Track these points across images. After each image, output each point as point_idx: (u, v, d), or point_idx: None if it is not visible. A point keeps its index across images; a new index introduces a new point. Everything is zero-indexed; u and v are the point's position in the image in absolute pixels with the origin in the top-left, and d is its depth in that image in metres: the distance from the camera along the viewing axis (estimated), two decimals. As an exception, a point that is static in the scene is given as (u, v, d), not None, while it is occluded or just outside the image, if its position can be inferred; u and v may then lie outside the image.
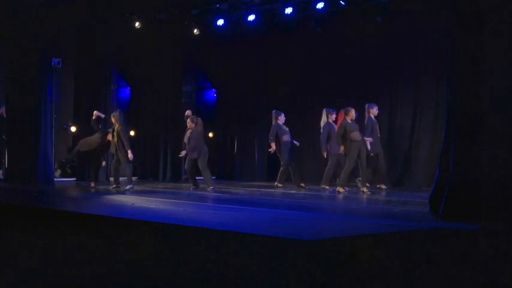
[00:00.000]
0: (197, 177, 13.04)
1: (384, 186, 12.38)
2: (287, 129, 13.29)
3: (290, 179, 13.49)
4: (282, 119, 13.29)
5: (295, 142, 13.37)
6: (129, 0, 14.54)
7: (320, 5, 13.30)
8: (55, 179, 14.06)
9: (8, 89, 13.91)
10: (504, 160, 7.24)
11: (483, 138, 7.36)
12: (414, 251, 5.98)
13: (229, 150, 16.51)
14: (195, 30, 15.37)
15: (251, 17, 14.21)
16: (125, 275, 5.02)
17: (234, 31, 14.68)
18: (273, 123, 13.25)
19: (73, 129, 15.53)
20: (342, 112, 12.10)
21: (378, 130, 12.37)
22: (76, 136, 14.96)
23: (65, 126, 16.04)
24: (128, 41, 15.51)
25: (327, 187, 12.60)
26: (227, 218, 8.13)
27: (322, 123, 12.85)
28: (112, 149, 12.64)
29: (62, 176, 15.66)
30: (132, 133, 14.77)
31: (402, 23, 13.17)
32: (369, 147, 12.02)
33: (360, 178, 12.19)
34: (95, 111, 12.92)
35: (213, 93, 18.04)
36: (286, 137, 13.18)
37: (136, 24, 14.95)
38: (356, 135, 11.81)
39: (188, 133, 12.88)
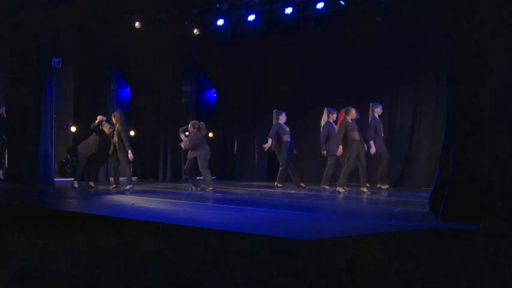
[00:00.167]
0: (197, 178, 13.04)
1: (385, 186, 12.39)
2: (288, 129, 13.28)
3: (290, 179, 13.50)
4: (282, 118, 13.28)
5: (295, 151, 13.40)
6: (129, 0, 14.54)
7: (320, 5, 13.30)
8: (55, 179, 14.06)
9: (8, 89, 13.89)
10: (504, 160, 7.24)
11: (483, 138, 7.37)
12: (414, 251, 5.98)
13: (229, 150, 16.51)
14: (195, 30, 15.37)
15: (251, 17, 14.21)
16: (125, 275, 5.02)
17: (234, 31, 14.67)
18: (274, 123, 13.25)
19: (73, 129, 15.52)
20: (343, 111, 12.10)
21: (382, 130, 12.38)
22: (76, 136, 14.96)
23: (65, 126, 16.01)
24: (128, 41, 15.50)
25: (327, 187, 12.59)
26: (227, 218, 8.13)
27: (322, 123, 12.84)
28: (111, 149, 12.64)
29: (60, 176, 15.62)
30: (132, 133, 14.75)
31: (402, 23, 13.17)
32: (373, 148, 12.02)
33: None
34: (99, 116, 12.90)
35: (213, 93, 18.04)
36: (286, 137, 13.18)
37: (136, 24, 14.96)
38: (356, 134, 11.83)
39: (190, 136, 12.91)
